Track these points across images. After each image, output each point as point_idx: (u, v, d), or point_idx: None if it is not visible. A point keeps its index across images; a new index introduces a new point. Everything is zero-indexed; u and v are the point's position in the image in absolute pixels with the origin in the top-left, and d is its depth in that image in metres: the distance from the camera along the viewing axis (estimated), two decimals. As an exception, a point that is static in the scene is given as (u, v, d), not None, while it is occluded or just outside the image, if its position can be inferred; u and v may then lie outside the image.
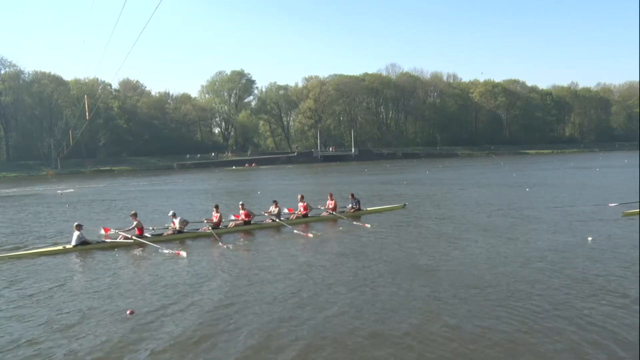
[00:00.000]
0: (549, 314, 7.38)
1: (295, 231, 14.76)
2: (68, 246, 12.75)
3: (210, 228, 14.84)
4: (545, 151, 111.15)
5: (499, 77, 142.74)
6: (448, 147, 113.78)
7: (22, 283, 10.02)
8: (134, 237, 13.72)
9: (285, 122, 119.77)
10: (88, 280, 10.26)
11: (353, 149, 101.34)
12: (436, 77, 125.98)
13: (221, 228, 15.27)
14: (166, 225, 15.20)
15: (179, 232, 14.64)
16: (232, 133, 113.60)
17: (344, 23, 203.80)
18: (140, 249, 13.30)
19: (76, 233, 12.98)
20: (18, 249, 13.77)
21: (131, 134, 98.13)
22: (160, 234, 14.59)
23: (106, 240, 13.74)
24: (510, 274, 9.58)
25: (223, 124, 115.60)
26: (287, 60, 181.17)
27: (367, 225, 15.32)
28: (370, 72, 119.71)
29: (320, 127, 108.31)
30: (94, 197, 33.14)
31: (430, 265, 10.55)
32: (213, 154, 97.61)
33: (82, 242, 12.93)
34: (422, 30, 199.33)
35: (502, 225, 15.41)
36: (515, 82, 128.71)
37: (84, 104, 60.04)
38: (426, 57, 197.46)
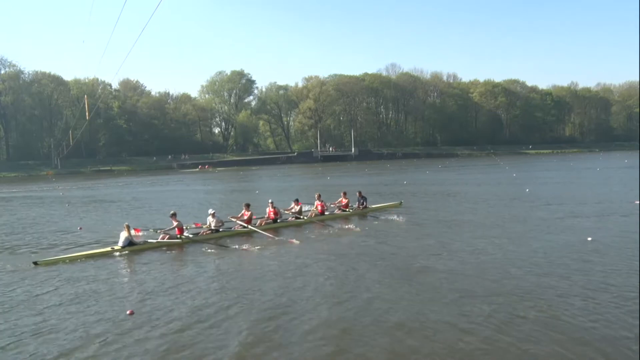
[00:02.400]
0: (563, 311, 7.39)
1: (329, 228, 15.22)
2: (116, 247, 12.66)
3: (252, 226, 15.27)
4: (545, 151, 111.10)
5: (499, 77, 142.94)
6: (448, 147, 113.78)
7: (72, 286, 9.76)
8: (182, 237, 13.88)
9: (285, 122, 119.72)
10: (141, 282, 10.08)
11: (353, 149, 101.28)
12: (436, 77, 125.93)
13: (247, 228, 15.47)
14: (198, 224, 15.19)
15: (216, 230, 14.79)
16: (232, 133, 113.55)
17: (344, 23, 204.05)
18: (188, 247, 13.38)
19: (124, 233, 12.90)
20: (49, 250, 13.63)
21: (131, 134, 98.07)
22: (197, 234, 14.63)
23: (149, 240, 13.66)
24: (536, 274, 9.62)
25: (223, 124, 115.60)
26: (287, 60, 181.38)
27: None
28: (370, 72, 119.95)
29: (320, 127, 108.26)
30: (103, 197, 33.14)
31: (434, 264, 10.60)
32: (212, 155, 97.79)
33: (130, 243, 12.87)
34: (422, 30, 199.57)
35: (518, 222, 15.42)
36: (515, 82, 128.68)
37: (84, 104, 60.02)
38: (426, 57, 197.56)
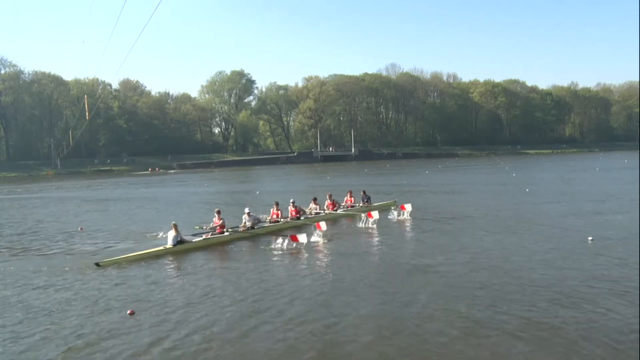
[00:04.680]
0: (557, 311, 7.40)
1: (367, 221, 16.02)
2: (167, 246, 12.82)
3: (285, 225, 15.87)
4: (545, 151, 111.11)
5: (499, 77, 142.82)
6: (448, 147, 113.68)
7: (138, 286, 9.86)
8: (229, 231, 14.35)
9: (285, 122, 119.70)
10: (193, 282, 10.17)
11: (353, 149, 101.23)
12: (436, 77, 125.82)
13: (280, 224, 16.01)
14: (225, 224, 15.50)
15: (251, 228, 15.03)
16: (232, 133, 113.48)
17: (344, 23, 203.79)
18: (231, 245, 13.72)
19: (172, 233, 12.99)
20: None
21: (131, 134, 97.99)
22: (235, 231, 14.86)
23: (194, 239, 13.82)
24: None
25: (223, 124, 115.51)
26: (287, 60, 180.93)
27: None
28: (370, 72, 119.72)
29: (320, 127, 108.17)
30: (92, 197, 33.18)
31: (440, 264, 10.67)
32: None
33: (179, 242, 13.00)
34: (422, 30, 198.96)
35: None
36: (515, 82, 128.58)
37: (84, 104, 60.06)
38: (426, 57, 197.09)
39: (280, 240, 13.25)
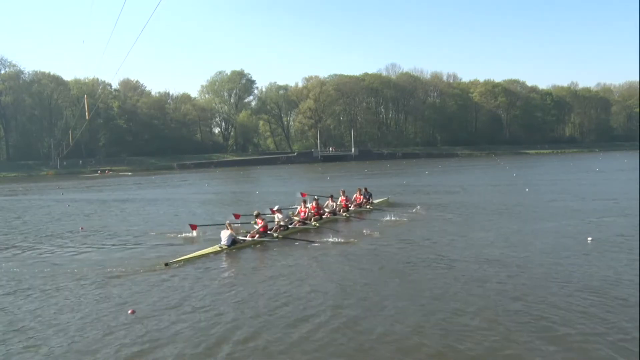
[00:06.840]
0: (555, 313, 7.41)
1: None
2: (223, 246, 13.09)
3: (315, 222, 16.35)
4: (545, 151, 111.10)
5: (499, 77, 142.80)
6: (448, 147, 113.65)
7: (205, 284, 10.05)
8: (276, 233, 14.61)
9: (285, 122, 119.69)
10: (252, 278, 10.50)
11: (353, 149, 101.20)
12: (436, 77, 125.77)
13: (309, 223, 16.32)
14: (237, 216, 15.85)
15: (285, 227, 15.17)
16: (232, 133, 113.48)
17: (344, 23, 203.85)
18: (282, 244, 13.88)
19: (228, 232, 13.19)
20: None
21: (131, 134, 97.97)
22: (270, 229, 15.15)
23: (244, 238, 14.05)
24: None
25: (223, 124, 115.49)
26: (287, 60, 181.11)
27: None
28: (370, 72, 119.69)
29: (320, 127, 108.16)
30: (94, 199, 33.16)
31: (433, 261, 10.63)
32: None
33: (233, 242, 13.21)
34: (422, 30, 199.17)
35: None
36: (515, 82, 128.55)
37: (84, 104, 60.06)
38: (426, 57, 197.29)
39: (325, 239, 13.59)
